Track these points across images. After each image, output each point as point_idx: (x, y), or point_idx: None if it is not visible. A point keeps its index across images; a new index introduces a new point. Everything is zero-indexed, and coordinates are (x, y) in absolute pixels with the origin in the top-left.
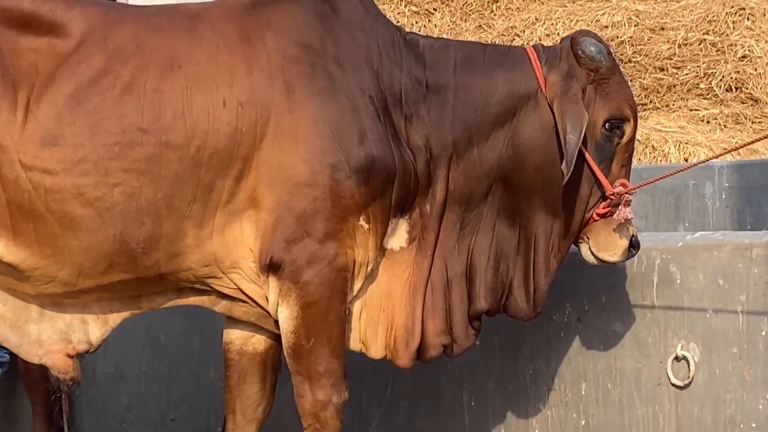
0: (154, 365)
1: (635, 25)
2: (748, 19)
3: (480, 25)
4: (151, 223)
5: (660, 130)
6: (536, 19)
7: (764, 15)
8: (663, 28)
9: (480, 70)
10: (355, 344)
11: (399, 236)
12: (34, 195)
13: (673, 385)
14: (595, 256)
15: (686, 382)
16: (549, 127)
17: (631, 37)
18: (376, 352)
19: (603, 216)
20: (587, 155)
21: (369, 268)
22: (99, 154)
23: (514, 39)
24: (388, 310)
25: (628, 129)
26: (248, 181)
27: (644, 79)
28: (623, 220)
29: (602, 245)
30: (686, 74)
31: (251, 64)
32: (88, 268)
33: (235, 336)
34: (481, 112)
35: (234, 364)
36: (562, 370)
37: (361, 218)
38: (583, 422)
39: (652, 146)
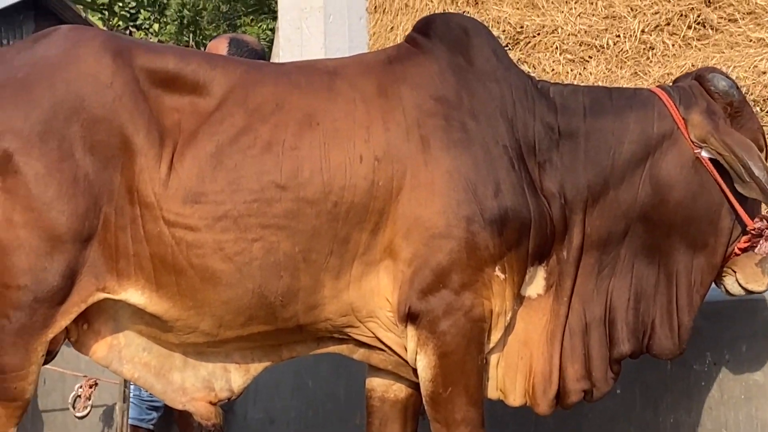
0: (302, 411)
1: None
2: None
3: (635, 72)
4: (289, 277)
5: None
6: (692, 65)
7: None
8: None
9: (609, 112)
10: (493, 392)
11: (536, 284)
12: (177, 250)
13: None
14: (744, 288)
15: None
16: (689, 164)
17: None
18: (514, 399)
19: (744, 250)
20: (727, 190)
21: (507, 318)
22: (239, 210)
23: None
24: (525, 357)
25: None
26: (385, 233)
27: None
28: (765, 254)
29: (750, 277)
30: None
31: (387, 119)
32: (228, 320)
33: (377, 383)
34: (614, 152)
35: (376, 410)
36: (703, 419)
37: (497, 269)
38: None
39: None
